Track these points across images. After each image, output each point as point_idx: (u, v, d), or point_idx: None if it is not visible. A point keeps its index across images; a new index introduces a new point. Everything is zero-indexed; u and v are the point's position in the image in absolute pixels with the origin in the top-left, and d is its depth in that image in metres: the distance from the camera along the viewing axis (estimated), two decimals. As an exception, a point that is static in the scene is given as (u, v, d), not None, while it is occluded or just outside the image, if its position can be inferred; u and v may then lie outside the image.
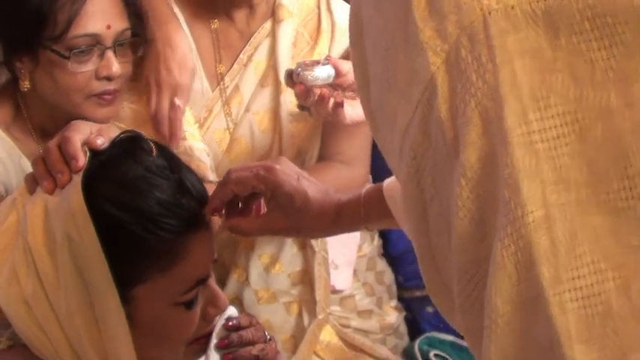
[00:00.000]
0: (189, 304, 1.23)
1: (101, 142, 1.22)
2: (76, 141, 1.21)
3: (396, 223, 1.27)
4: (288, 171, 1.28)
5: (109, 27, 1.67)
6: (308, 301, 1.99)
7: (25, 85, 1.70)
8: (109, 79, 1.69)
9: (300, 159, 1.89)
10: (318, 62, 1.60)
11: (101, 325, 1.17)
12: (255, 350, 1.33)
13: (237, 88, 1.89)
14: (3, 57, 1.72)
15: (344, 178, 1.91)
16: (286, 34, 1.89)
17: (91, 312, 1.17)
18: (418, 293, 2.28)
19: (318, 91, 1.56)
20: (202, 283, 1.24)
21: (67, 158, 1.19)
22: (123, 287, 1.17)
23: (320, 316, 1.99)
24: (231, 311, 1.36)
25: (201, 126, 1.88)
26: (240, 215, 1.32)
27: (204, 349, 1.30)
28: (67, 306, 1.17)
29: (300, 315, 2.00)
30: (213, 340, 1.31)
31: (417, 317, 2.26)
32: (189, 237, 1.21)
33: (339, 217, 1.29)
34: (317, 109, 1.58)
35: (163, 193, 1.19)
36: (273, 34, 1.90)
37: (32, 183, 1.23)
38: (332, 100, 1.56)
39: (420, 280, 2.30)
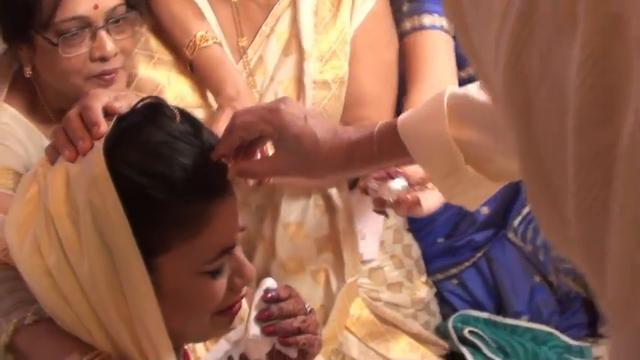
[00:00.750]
0: (214, 274, 1.21)
1: (119, 106, 1.21)
2: (96, 108, 1.20)
3: (411, 159, 1.24)
4: (294, 111, 1.24)
5: (96, 7, 1.63)
6: (335, 267, 1.99)
7: (28, 71, 1.70)
8: (104, 59, 1.65)
9: None
10: (388, 175, 1.64)
11: (127, 292, 1.16)
12: (296, 322, 1.31)
13: (260, 59, 1.92)
14: (5, 43, 1.74)
15: None
16: (307, 3, 1.91)
17: (116, 280, 1.16)
18: (440, 276, 2.27)
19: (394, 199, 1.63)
20: (228, 252, 1.22)
21: (89, 125, 1.19)
22: (147, 256, 1.16)
23: (349, 280, 1.99)
24: (270, 283, 1.34)
25: (227, 98, 1.90)
26: (247, 158, 1.28)
27: (231, 321, 1.28)
28: (91, 275, 1.16)
29: (327, 283, 2.00)
30: (253, 312, 1.30)
31: (444, 294, 2.25)
32: (213, 204, 1.19)
33: (351, 157, 1.24)
34: (395, 211, 1.69)
35: (187, 159, 1.17)
36: (294, 4, 1.92)
37: (53, 153, 1.23)
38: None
39: (441, 262, 2.27)
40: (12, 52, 1.73)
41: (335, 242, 1.99)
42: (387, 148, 1.24)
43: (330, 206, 1.99)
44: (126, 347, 1.20)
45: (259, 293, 1.31)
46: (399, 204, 1.63)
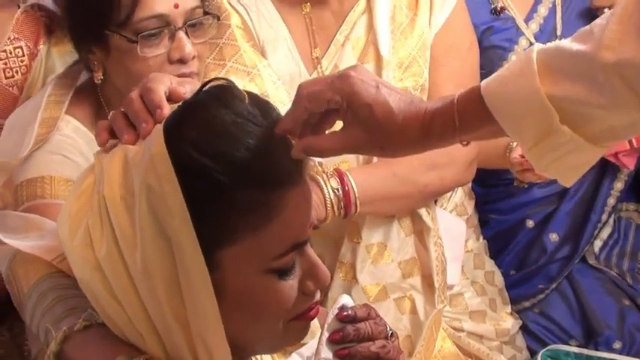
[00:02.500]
0: (283, 273, 1.07)
1: (184, 91, 1.11)
2: (159, 90, 1.11)
3: (495, 130, 1.10)
4: (365, 78, 1.10)
5: (176, 6, 1.58)
6: (424, 292, 1.86)
7: (99, 76, 1.64)
8: (182, 62, 1.60)
9: None
10: None
11: (184, 288, 1.03)
12: (374, 347, 1.16)
13: (336, 67, 1.82)
14: (76, 50, 1.68)
15: (446, 155, 1.79)
16: (383, 8, 1.83)
17: (173, 273, 1.03)
18: (527, 304, 2.17)
19: None
20: (298, 247, 1.08)
21: (151, 108, 1.09)
22: (208, 250, 1.02)
23: (439, 306, 1.85)
24: (346, 300, 1.20)
25: (300, 110, 1.80)
26: (313, 134, 1.14)
27: (307, 326, 1.13)
28: (144, 267, 1.03)
29: (413, 312, 1.87)
30: (325, 333, 1.16)
31: (527, 324, 2.14)
32: (284, 192, 1.05)
33: (428, 129, 1.10)
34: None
35: (256, 141, 1.04)
36: (369, 10, 1.84)
37: (107, 137, 1.13)
38: None
39: (526, 290, 2.20)
40: (82, 59, 1.67)
41: (423, 266, 1.87)
42: (469, 117, 1.10)
43: (417, 226, 1.87)
44: (180, 353, 1.06)
45: (334, 311, 1.17)
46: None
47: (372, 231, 1.83)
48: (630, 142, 2.06)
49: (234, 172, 1.02)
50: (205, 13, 1.65)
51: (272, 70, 1.79)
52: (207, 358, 1.05)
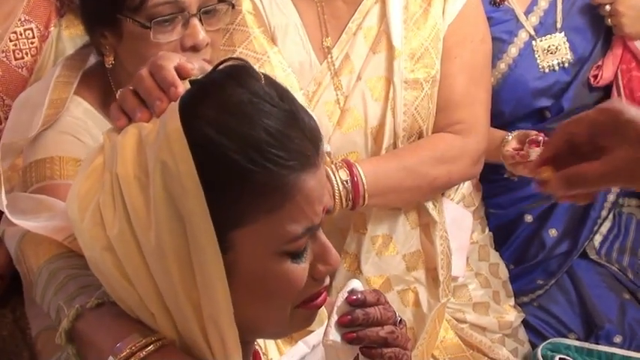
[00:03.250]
0: (296, 256, 1.06)
1: (192, 67, 1.10)
2: (171, 67, 1.09)
3: None
4: (624, 104, 1.10)
5: None
6: (428, 285, 1.86)
7: (110, 60, 1.63)
8: (195, 49, 1.57)
9: (418, 130, 1.81)
10: (539, 137, 1.72)
11: (197, 269, 1.02)
12: (383, 332, 1.15)
13: (347, 57, 1.81)
14: (88, 34, 1.67)
15: (456, 149, 1.82)
16: None
17: (187, 252, 1.02)
18: (525, 299, 2.17)
19: None
20: (312, 231, 1.07)
21: (164, 85, 1.08)
22: (221, 230, 1.01)
23: (443, 300, 1.85)
24: (356, 284, 1.18)
25: (310, 99, 1.80)
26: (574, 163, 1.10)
27: (313, 315, 1.13)
28: (158, 246, 1.02)
29: (416, 304, 1.87)
30: (335, 316, 1.14)
31: (528, 318, 2.13)
32: (299, 175, 1.04)
33: None
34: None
35: (273, 121, 1.03)
36: (382, 0, 1.82)
37: (120, 117, 1.11)
38: None
39: (526, 284, 2.20)
40: (93, 42, 1.65)
41: (427, 259, 1.86)
42: None
43: (423, 219, 1.87)
44: (192, 334, 1.06)
45: (344, 294, 1.15)
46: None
47: (378, 222, 1.83)
48: None
49: (249, 152, 1.01)
50: (220, 0, 1.62)
51: (282, 57, 1.78)
52: (218, 339, 1.05)
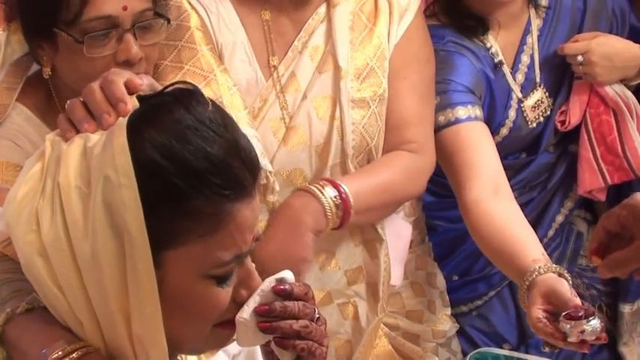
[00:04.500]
0: (221, 281, 1.11)
1: (140, 83, 1.13)
2: (121, 83, 1.12)
3: None
4: None
5: (125, 8, 1.58)
6: (368, 300, 1.89)
7: (47, 71, 1.65)
8: (129, 63, 1.59)
9: (366, 148, 1.82)
10: (578, 312, 1.57)
11: (130, 282, 1.06)
12: (297, 325, 1.16)
13: (293, 75, 1.82)
14: (27, 44, 1.68)
15: (416, 168, 1.85)
16: (343, 17, 1.83)
17: (121, 265, 1.06)
18: (465, 308, 2.21)
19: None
20: (240, 259, 1.12)
21: (113, 100, 1.11)
22: (154, 249, 1.05)
23: (381, 315, 1.89)
24: (287, 274, 1.19)
25: (255, 116, 1.80)
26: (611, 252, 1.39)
27: (231, 335, 1.16)
28: (93, 257, 1.06)
29: (355, 318, 1.90)
30: (256, 299, 1.15)
31: (465, 328, 2.18)
32: (235, 204, 1.08)
33: None
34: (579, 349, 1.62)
35: (215, 149, 1.07)
36: (328, 19, 1.83)
37: (68, 127, 1.14)
38: None
39: (466, 293, 2.23)
40: (32, 53, 1.66)
41: (368, 274, 1.89)
42: None
43: (367, 236, 1.89)
44: (119, 345, 1.10)
45: (271, 281, 1.16)
46: (585, 343, 1.58)
47: (321, 239, 1.82)
48: (605, 179, 2.11)
49: (189, 178, 1.06)
50: (156, 14, 1.64)
51: (228, 76, 1.77)
52: (144, 352, 1.09)
